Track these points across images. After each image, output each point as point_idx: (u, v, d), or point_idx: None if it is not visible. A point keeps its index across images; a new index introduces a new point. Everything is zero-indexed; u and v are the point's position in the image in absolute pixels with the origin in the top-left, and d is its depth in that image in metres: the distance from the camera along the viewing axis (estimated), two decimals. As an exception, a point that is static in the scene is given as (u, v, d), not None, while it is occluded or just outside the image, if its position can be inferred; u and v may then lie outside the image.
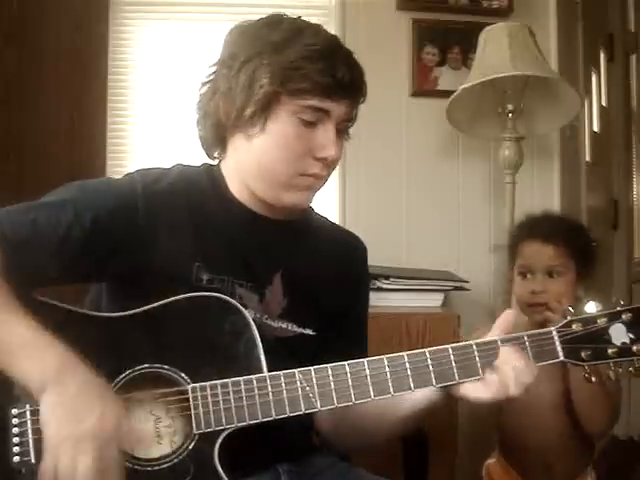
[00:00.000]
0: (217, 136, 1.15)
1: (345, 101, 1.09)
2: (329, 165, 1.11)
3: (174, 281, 1.05)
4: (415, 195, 2.51)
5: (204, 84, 1.15)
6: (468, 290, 2.19)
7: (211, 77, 1.14)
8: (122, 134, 2.51)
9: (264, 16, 1.13)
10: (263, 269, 1.14)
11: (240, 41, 1.11)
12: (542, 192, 2.53)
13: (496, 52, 2.19)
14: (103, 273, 1.10)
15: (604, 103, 3.45)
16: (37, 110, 2.31)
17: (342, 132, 1.13)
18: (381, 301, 2.09)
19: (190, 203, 1.12)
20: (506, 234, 2.28)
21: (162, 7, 2.53)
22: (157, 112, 2.49)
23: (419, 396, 1.06)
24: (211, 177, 1.17)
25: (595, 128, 3.33)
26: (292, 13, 1.14)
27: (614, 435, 3.22)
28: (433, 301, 2.14)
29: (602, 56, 3.42)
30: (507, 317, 1.04)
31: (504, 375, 0.98)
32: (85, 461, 0.86)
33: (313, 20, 1.15)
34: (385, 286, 2.09)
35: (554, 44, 2.53)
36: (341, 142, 1.13)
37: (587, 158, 3.04)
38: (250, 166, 1.11)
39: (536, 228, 1.66)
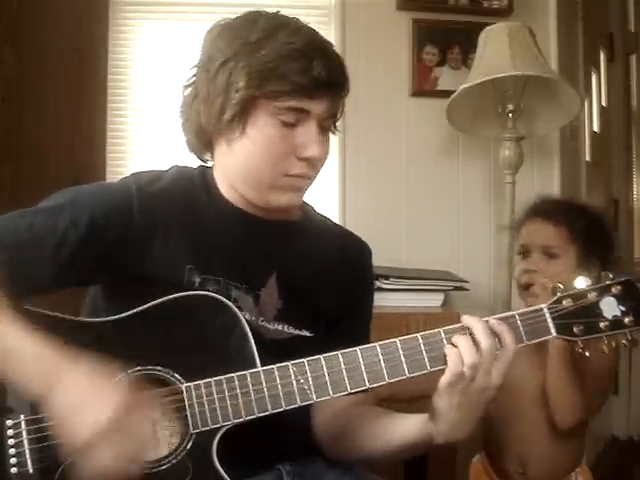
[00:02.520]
0: (202, 141, 1.14)
1: (325, 99, 1.07)
2: (314, 164, 1.10)
3: (166, 284, 1.05)
4: (415, 195, 2.51)
5: (186, 87, 1.13)
6: (468, 290, 2.19)
7: (192, 80, 1.12)
8: (122, 134, 2.51)
9: (241, 14, 1.11)
10: (257, 271, 1.13)
11: (217, 42, 1.09)
12: (542, 192, 2.51)
13: (496, 52, 2.19)
14: (99, 276, 1.10)
15: (604, 103, 3.45)
16: (36, 110, 2.30)
17: (326, 129, 1.12)
18: (381, 301, 2.08)
19: (184, 205, 1.12)
20: (506, 233, 2.30)
21: (162, 7, 2.54)
22: (157, 112, 2.49)
23: (408, 430, 1.05)
24: (204, 179, 1.16)
25: (595, 128, 3.33)
26: (292, 13, 1.13)
27: (614, 435, 3.22)
28: (433, 301, 2.14)
29: (602, 56, 3.42)
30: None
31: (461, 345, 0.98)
32: (118, 449, 0.86)
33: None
34: (385, 286, 2.10)
35: (554, 44, 2.53)
36: (326, 140, 1.12)
37: (587, 158, 3.04)
38: (234, 170, 1.11)
39: (538, 207, 1.62)
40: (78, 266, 1.05)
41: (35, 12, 2.32)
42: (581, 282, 1.03)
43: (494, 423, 1.62)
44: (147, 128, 2.51)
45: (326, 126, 1.11)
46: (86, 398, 0.88)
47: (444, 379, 0.97)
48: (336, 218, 2.42)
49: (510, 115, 2.26)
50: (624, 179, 3.60)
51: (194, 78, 1.12)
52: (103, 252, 1.05)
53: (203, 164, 1.20)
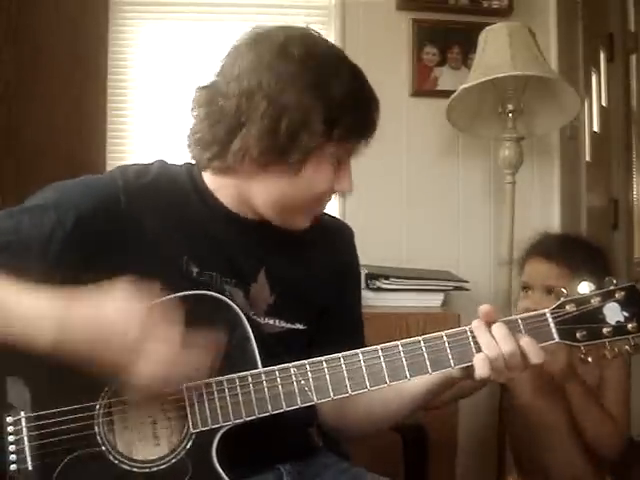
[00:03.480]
0: (222, 164, 1.08)
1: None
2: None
3: (164, 273, 1.03)
4: (415, 195, 2.51)
5: (219, 102, 1.05)
6: (468, 290, 2.20)
7: (232, 100, 1.04)
8: (122, 134, 2.51)
9: (283, 35, 1.06)
10: (247, 266, 1.13)
11: (277, 67, 1.03)
12: (542, 192, 2.53)
13: (496, 52, 2.19)
14: (90, 272, 1.08)
15: (604, 103, 3.45)
16: (36, 110, 2.30)
17: None
18: (381, 301, 2.09)
19: (172, 199, 1.11)
20: (506, 233, 2.30)
21: (161, 7, 2.53)
22: (157, 111, 2.49)
23: (423, 380, 1.06)
24: (192, 177, 1.15)
25: (595, 128, 3.33)
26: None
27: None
28: (433, 301, 2.14)
29: (602, 56, 3.42)
30: (483, 310, 1.04)
31: (492, 351, 0.99)
32: (161, 350, 0.89)
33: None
34: (385, 286, 2.10)
35: (554, 44, 2.53)
36: None
37: (587, 158, 3.04)
38: (270, 198, 1.09)
39: (541, 245, 1.63)
40: (68, 263, 1.04)
41: (34, 13, 2.32)
42: (584, 287, 1.03)
43: (524, 449, 1.64)
44: (147, 128, 2.51)
45: None
46: (102, 320, 0.90)
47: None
48: (336, 218, 2.42)
49: (510, 115, 2.26)
50: (624, 179, 3.60)
51: (229, 99, 1.04)
52: (93, 247, 1.04)
53: (189, 162, 1.17)
